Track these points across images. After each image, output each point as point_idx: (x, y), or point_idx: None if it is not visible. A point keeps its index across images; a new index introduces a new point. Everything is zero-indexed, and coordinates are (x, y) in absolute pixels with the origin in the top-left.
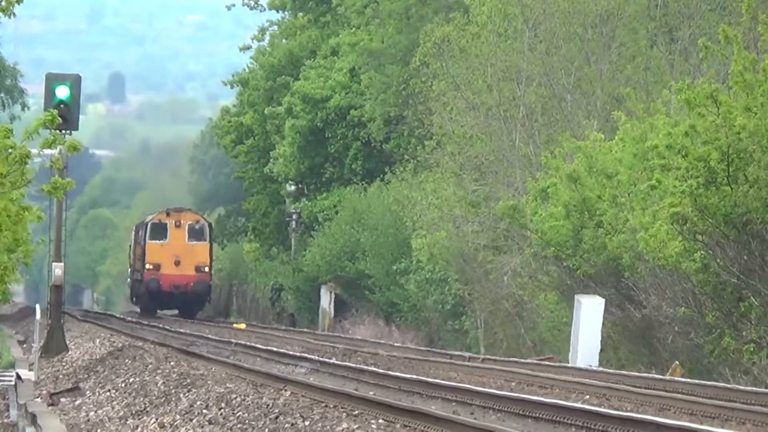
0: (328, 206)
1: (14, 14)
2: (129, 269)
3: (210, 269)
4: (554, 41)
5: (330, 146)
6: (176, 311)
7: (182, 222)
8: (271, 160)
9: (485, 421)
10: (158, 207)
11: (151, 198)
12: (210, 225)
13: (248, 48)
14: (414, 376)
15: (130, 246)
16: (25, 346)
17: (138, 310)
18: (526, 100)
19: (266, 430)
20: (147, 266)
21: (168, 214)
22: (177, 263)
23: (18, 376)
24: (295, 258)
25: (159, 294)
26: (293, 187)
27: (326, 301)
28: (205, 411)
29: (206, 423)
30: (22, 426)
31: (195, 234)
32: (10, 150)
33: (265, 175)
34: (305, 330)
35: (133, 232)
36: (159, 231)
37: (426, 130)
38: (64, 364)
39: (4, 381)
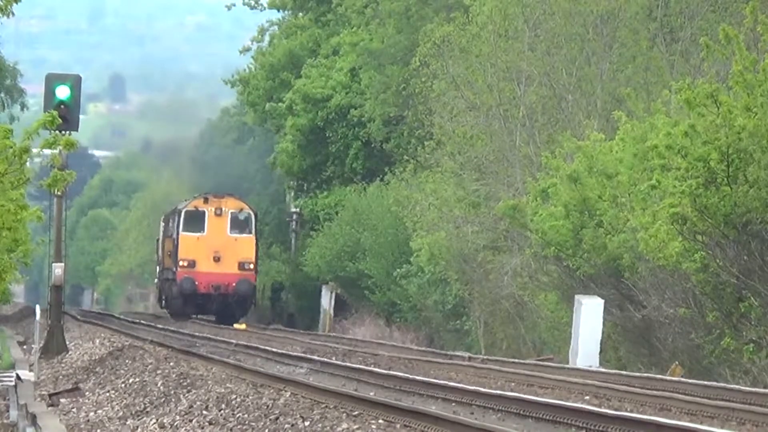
0: (329, 204)
1: (13, 13)
2: (157, 267)
3: (256, 267)
4: (555, 41)
5: (330, 145)
6: (213, 316)
7: (223, 210)
8: (273, 155)
9: (485, 421)
10: (158, 207)
11: (151, 197)
12: (256, 214)
13: (248, 50)
14: (414, 376)
15: (158, 240)
16: (25, 346)
17: (169, 314)
18: (526, 100)
19: (266, 430)
20: (180, 263)
21: (206, 201)
22: (217, 259)
23: (18, 377)
24: (296, 257)
25: (194, 296)
26: (294, 183)
27: (327, 300)
28: (205, 412)
29: (206, 423)
30: (22, 426)
31: (239, 225)
32: (9, 149)
33: (265, 175)
34: (305, 330)
35: (162, 223)
36: (195, 221)
37: (426, 130)
38: (63, 364)
39: (4, 381)
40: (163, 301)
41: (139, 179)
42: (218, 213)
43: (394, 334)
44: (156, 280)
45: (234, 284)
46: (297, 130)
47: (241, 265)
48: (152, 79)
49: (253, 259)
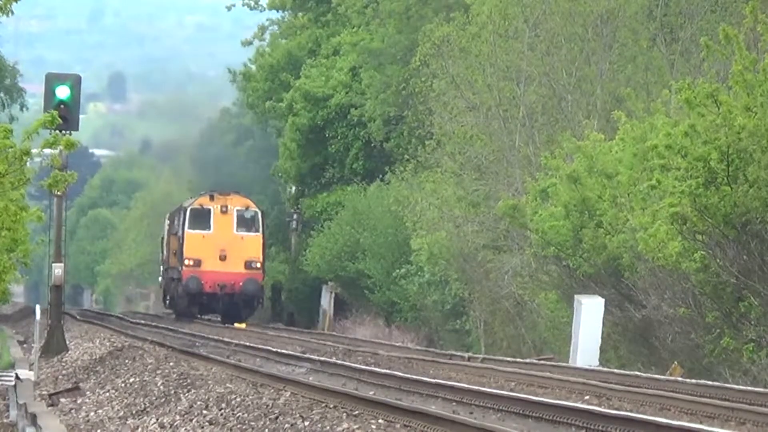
0: (332, 202)
1: (12, 12)
2: (161, 266)
3: (263, 266)
4: (555, 41)
5: (330, 146)
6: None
7: (229, 207)
8: (274, 166)
9: (485, 421)
10: (159, 206)
11: (151, 197)
12: (263, 212)
13: (250, 43)
14: (414, 376)
15: (163, 238)
16: (25, 346)
17: (173, 314)
18: (526, 100)
19: (266, 430)
20: (186, 262)
21: (212, 198)
22: (223, 258)
23: (17, 377)
24: (296, 258)
25: (200, 295)
26: (293, 189)
27: (326, 300)
28: (204, 411)
29: (206, 423)
30: (22, 426)
31: (245, 223)
32: (9, 149)
33: (265, 175)
34: (305, 330)
35: (167, 221)
36: (201, 218)
37: (426, 130)
38: (63, 364)
39: (4, 381)
40: (168, 301)
41: (139, 179)
42: (224, 211)
43: (394, 334)
44: (160, 279)
45: (240, 284)
46: (297, 129)
47: (248, 264)
48: (152, 79)
49: (260, 258)
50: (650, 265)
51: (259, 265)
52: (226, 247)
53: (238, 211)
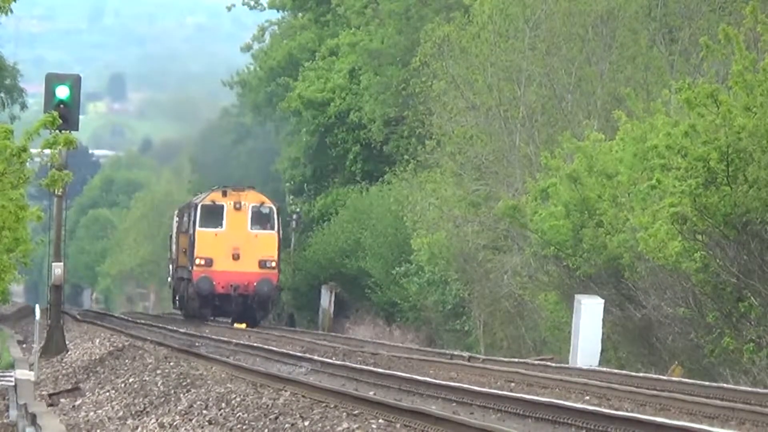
0: (327, 204)
1: (11, 11)
2: (170, 265)
3: (278, 265)
4: (555, 41)
5: (331, 151)
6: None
7: (243, 204)
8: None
9: (485, 421)
10: (159, 206)
11: (151, 197)
12: (278, 208)
13: (249, 48)
14: (414, 376)
15: (171, 236)
16: (24, 346)
17: (182, 315)
18: (526, 100)
19: (266, 430)
20: (197, 261)
21: (224, 194)
22: (236, 257)
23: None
24: (295, 257)
25: (212, 297)
26: (292, 197)
27: (326, 300)
28: (204, 411)
29: (206, 423)
30: (22, 426)
31: (260, 220)
32: (8, 150)
33: (265, 175)
34: (305, 330)
35: (176, 218)
36: (213, 215)
37: (426, 130)
38: (63, 364)
39: (4, 381)
40: (177, 302)
41: (139, 179)
42: (237, 207)
43: (394, 334)
44: (169, 279)
45: (254, 284)
46: (309, 147)
47: (262, 264)
48: (152, 79)
49: (275, 257)
50: (650, 265)
51: (274, 264)
52: (239, 245)
53: (252, 207)
